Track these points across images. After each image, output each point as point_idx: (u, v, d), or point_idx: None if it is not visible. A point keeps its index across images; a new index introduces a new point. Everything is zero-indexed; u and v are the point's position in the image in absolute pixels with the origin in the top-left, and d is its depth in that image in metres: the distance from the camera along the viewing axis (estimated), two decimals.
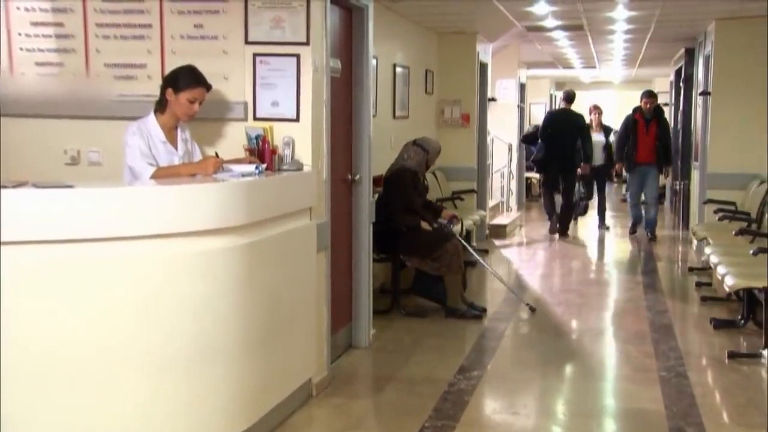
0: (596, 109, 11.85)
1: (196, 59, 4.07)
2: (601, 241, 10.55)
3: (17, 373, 3.03)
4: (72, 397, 3.13)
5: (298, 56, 4.24)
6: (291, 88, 4.26)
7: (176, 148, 4.02)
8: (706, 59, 8.90)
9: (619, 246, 10.25)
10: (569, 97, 10.82)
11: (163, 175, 3.81)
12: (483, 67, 9.99)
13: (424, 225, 6.27)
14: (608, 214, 11.59)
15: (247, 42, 4.24)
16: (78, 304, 3.10)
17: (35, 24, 4.37)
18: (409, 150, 6.45)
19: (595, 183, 11.58)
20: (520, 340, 5.89)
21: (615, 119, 20.50)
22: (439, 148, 6.68)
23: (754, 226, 6.82)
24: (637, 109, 10.13)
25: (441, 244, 6.13)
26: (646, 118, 9.95)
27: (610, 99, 21.34)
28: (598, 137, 11.09)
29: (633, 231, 10.38)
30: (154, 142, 3.93)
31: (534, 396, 4.63)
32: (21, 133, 4.37)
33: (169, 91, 3.91)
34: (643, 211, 10.37)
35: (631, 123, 10.05)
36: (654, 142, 9.90)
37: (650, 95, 10.09)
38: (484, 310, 6.26)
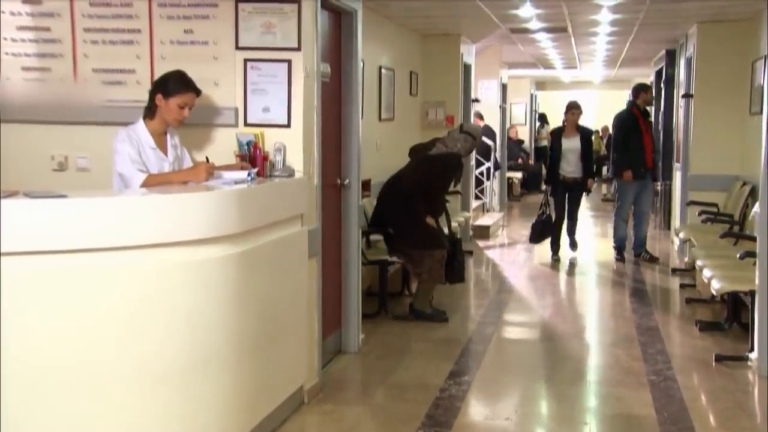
0: (574, 108, 8.89)
1: (186, 65, 4.03)
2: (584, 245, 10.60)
3: (9, 384, 2.98)
4: (65, 407, 3.09)
5: (289, 62, 4.21)
6: (282, 94, 4.24)
7: (166, 154, 3.98)
8: (688, 61, 8.97)
9: (601, 247, 10.29)
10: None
11: (154, 182, 3.77)
12: (467, 68, 10.01)
13: (429, 221, 6.14)
14: (589, 214, 11.64)
15: (237, 47, 4.22)
16: (71, 314, 3.06)
17: (21, 28, 4.31)
18: (457, 137, 6.27)
19: (566, 199, 8.86)
20: (508, 344, 5.90)
21: (596, 120, 20.83)
22: (481, 136, 6.51)
23: (736, 228, 6.89)
24: (631, 104, 8.88)
25: (431, 246, 6.08)
26: (643, 114, 8.73)
27: (590, 98, 21.52)
28: (571, 143, 8.68)
29: (620, 257, 8.73)
30: (144, 149, 3.89)
31: (525, 401, 4.64)
32: (7, 139, 4.30)
33: (159, 96, 3.87)
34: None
35: (631, 121, 8.62)
36: (651, 144, 8.75)
37: (648, 89, 9.01)
38: (446, 318, 6.18)
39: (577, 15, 8.24)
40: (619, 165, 8.67)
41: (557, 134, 8.84)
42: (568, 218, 8.91)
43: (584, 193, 9.08)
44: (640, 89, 8.88)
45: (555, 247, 8.90)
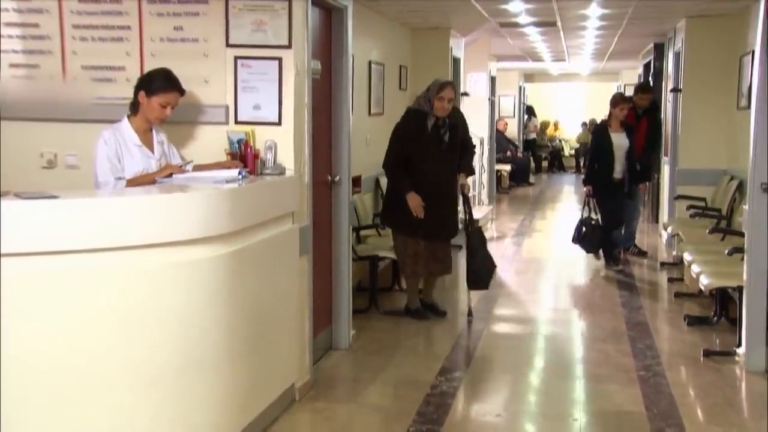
0: (624, 102, 8.04)
1: (175, 62, 4.02)
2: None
3: (1, 385, 2.97)
4: (57, 408, 3.08)
5: (280, 59, 4.20)
6: (273, 92, 4.22)
7: (152, 151, 3.96)
8: (677, 55, 9.00)
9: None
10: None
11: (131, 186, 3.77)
12: (456, 61, 9.99)
13: (412, 199, 5.67)
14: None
15: (228, 45, 4.20)
16: (62, 315, 3.05)
17: (9, 25, 4.27)
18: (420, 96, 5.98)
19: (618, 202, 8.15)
20: (498, 339, 5.92)
21: (585, 112, 20.88)
22: (440, 82, 5.86)
23: (723, 223, 6.94)
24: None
25: (395, 228, 5.92)
26: (645, 113, 8.39)
27: (578, 91, 21.59)
28: (620, 140, 7.95)
29: (616, 262, 8.12)
30: (129, 147, 3.87)
31: (516, 398, 4.66)
32: None
33: (142, 93, 3.85)
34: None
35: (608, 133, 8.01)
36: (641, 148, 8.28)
37: (646, 90, 8.61)
38: (444, 313, 6.04)
39: (567, 9, 8.24)
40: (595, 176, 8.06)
41: (602, 131, 8.10)
42: (625, 225, 8.33)
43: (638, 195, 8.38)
44: (636, 90, 8.60)
45: (611, 255, 8.02)
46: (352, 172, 5.39)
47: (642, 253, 8.64)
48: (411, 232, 5.80)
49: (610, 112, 8.12)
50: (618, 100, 8.15)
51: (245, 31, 4.17)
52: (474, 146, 6.51)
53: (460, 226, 6.35)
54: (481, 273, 5.96)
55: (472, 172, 6.36)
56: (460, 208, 6.30)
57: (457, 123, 6.00)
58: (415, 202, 5.72)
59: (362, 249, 6.29)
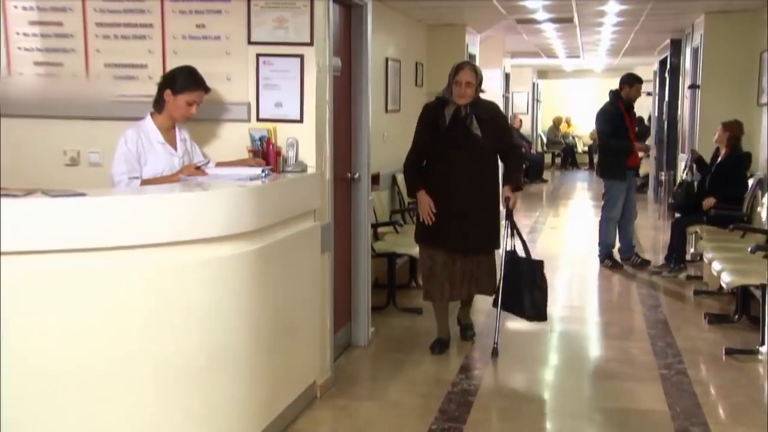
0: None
1: (198, 60, 4.02)
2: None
3: (28, 384, 2.99)
4: (82, 407, 3.09)
5: (301, 57, 4.19)
6: (294, 89, 4.22)
7: (175, 149, 3.97)
8: (695, 51, 8.95)
9: None
10: None
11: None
12: (471, 58, 9.96)
13: (422, 198, 4.95)
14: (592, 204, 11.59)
15: (250, 42, 4.19)
16: (88, 313, 3.05)
17: (34, 23, 4.29)
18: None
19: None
20: (517, 337, 5.89)
21: (597, 109, 20.75)
22: (457, 63, 5.12)
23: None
24: (616, 97, 7.88)
25: (420, 238, 5.10)
26: (627, 109, 7.85)
27: (591, 87, 21.48)
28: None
29: (613, 262, 7.92)
30: (153, 145, 3.88)
31: (537, 395, 4.65)
32: (20, 134, 4.30)
33: (167, 92, 3.85)
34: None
35: (618, 116, 7.77)
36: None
37: (635, 83, 7.83)
38: (471, 337, 5.39)
39: (585, 5, 8.21)
40: (611, 164, 7.78)
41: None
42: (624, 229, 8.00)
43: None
44: (624, 82, 7.77)
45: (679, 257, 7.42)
46: (371, 170, 5.38)
47: (645, 263, 7.88)
48: (424, 238, 5.08)
49: (627, 94, 7.74)
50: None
51: (267, 28, 4.17)
52: (520, 150, 5.56)
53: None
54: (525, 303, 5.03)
55: (519, 186, 5.19)
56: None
57: (488, 118, 5.00)
58: (423, 203, 4.96)
59: (380, 246, 6.28)
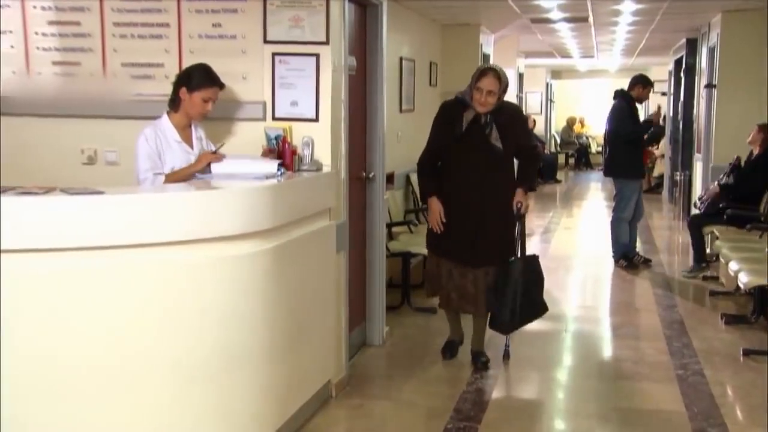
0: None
1: (213, 59, 4.03)
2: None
3: (45, 380, 3.00)
4: (99, 405, 3.10)
5: (317, 56, 4.20)
6: (310, 88, 4.22)
7: (192, 147, 3.98)
8: (711, 51, 8.89)
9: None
10: None
11: (170, 182, 3.80)
12: (485, 58, 9.94)
13: (433, 204, 4.74)
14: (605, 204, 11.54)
15: (266, 41, 4.20)
16: (104, 311, 3.07)
17: (52, 23, 4.32)
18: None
19: None
20: (531, 337, 5.87)
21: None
22: (482, 67, 4.80)
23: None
24: (626, 96, 7.89)
25: (428, 244, 4.91)
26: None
27: (605, 87, 21.39)
28: None
29: (629, 262, 7.93)
30: (169, 143, 3.89)
31: (552, 395, 4.63)
32: (37, 133, 4.33)
33: (183, 90, 3.87)
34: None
35: (632, 114, 7.84)
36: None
37: (647, 85, 7.93)
38: (484, 363, 4.92)
39: (600, 5, 8.17)
40: (626, 163, 7.73)
41: None
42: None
43: None
44: (638, 82, 7.82)
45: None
46: (386, 169, 5.37)
47: (647, 261, 8.00)
48: (431, 245, 4.90)
49: (639, 94, 7.84)
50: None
51: (283, 27, 4.18)
52: (538, 153, 5.42)
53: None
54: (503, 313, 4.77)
55: (532, 187, 5.11)
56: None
57: (509, 124, 4.72)
58: (434, 210, 4.74)
59: (394, 245, 6.28)
